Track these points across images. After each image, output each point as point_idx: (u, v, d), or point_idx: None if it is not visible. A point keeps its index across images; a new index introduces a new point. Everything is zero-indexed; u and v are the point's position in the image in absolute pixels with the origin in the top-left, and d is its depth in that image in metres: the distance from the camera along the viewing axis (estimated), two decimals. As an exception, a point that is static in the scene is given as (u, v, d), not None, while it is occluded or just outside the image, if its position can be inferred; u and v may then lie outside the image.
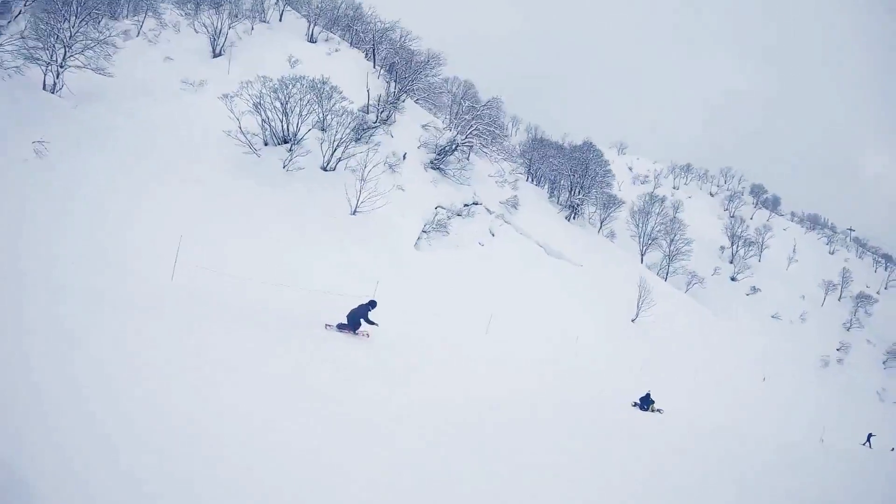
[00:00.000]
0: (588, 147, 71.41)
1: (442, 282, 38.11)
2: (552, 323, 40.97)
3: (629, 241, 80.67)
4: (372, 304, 16.43)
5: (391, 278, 30.94)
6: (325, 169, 41.37)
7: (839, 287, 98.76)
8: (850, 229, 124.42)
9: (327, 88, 39.93)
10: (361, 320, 15.89)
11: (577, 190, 69.35)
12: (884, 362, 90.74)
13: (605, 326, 48.81)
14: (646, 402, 23.10)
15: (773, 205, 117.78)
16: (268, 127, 39.70)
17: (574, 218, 69.09)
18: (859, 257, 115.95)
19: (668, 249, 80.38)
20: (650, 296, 55.46)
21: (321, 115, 40.45)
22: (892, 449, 44.27)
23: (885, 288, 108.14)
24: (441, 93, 60.45)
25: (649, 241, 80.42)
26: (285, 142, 40.24)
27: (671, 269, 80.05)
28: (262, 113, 38.63)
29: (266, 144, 40.12)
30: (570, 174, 69.56)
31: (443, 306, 30.62)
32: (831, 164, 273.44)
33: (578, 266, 56.59)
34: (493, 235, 52.53)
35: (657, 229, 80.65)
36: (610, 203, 74.59)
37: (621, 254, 71.13)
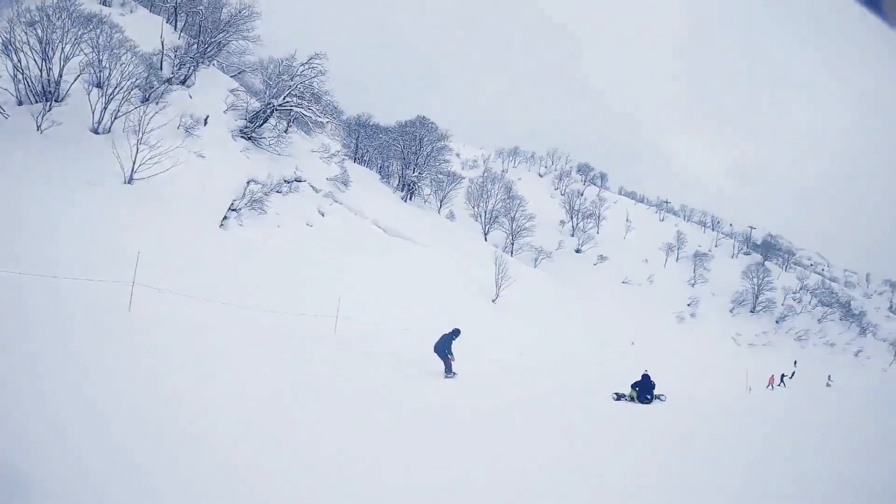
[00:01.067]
0: (421, 122, 69.01)
1: (265, 268, 30.57)
2: (412, 309, 34.87)
3: (469, 222, 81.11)
4: (455, 332, 16.59)
5: (189, 265, 24.13)
6: (96, 131, 33.69)
7: (676, 249, 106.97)
8: (666, 201, 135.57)
9: (106, 27, 33.04)
10: (447, 352, 16.14)
11: (412, 167, 68.06)
12: (731, 310, 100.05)
13: (471, 309, 46.11)
14: (647, 390, 17.53)
15: (601, 181, 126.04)
16: (21, 78, 31.88)
17: (411, 198, 67.52)
18: (687, 221, 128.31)
19: (510, 227, 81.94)
20: (507, 272, 54.85)
21: (96, 58, 33.14)
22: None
23: (716, 245, 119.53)
24: (253, 69, 53.60)
25: (491, 220, 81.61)
26: (47, 99, 32.54)
27: (516, 246, 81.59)
28: (13, 56, 30.81)
29: (21, 104, 32.27)
30: (403, 151, 67.83)
31: (269, 297, 24.07)
32: (637, 147, 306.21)
33: (425, 247, 54.86)
34: (322, 215, 48.76)
35: (498, 206, 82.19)
36: (448, 181, 74.36)
37: (465, 233, 70.98)
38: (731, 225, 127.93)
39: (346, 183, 53.45)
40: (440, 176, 72.49)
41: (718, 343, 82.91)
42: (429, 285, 44.32)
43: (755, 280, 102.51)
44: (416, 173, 67.36)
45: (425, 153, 67.91)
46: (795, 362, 73.86)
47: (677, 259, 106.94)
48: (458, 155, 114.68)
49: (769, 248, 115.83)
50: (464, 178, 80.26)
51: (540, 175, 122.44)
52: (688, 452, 9.25)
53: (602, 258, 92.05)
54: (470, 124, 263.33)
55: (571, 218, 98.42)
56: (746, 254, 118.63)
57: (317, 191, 50.27)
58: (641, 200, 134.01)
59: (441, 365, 16.20)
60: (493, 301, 53.86)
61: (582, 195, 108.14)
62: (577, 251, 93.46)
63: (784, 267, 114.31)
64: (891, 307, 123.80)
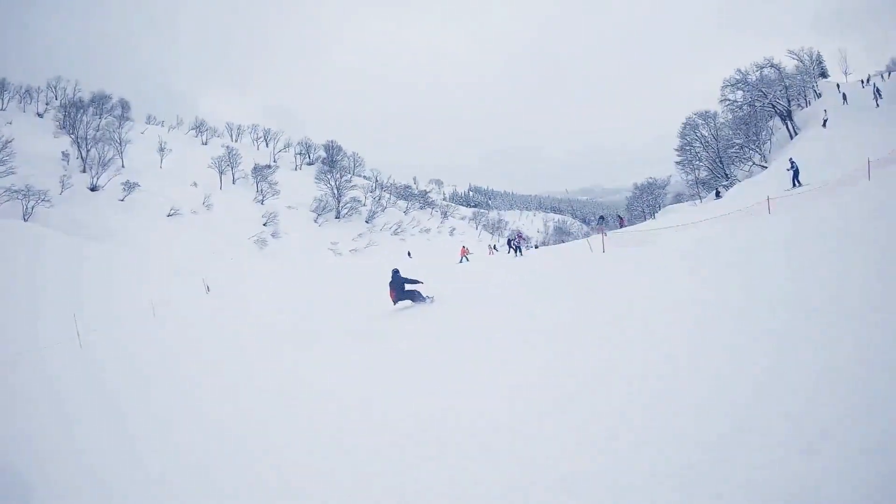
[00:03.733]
0: None
1: None
2: None
3: None
4: (396, 271, 15.75)
5: None
6: None
7: (231, 167, 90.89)
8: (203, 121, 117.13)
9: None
10: (406, 286, 15.33)
11: None
12: (315, 220, 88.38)
13: None
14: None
15: (122, 109, 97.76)
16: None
17: None
18: (237, 141, 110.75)
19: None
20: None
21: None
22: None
23: (276, 161, 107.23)
24: None
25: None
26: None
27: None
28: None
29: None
30: None
31: None
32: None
33: None
34: None
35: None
36: None
37: None
38: (288, 138, 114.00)
39: None
40: None
41: (316, 257, 68.55)
42: None
43: (332, 183, 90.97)
44: None
45: None
46: (409, 253, 65.87)
47: (234, 180, 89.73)
48: None
49: (334, 153, 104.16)
50: None
51: (39, 115, 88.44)
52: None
53: (130, 186, 68.87)
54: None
55: (79, 148, 70.80)
56: (311, 163, 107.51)
57: None
58: (177, 126, 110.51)
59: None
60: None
61: (98, 129, 78.88)
62: (94, 188, 67.94)
63: (352, 171, 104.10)
64: (444, 197, 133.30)
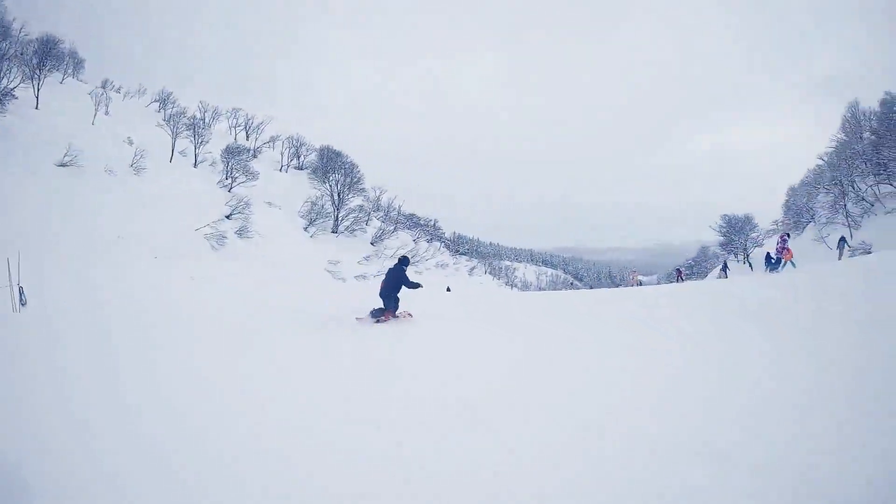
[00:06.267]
0: None
1: None
2: None
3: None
4: (404, 261, 11.92)
5: None
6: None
7: (196, 144, 64.90)
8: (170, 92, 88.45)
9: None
10: (403, 287, 11.48)
11: None
12: (305, 228, 62.44)
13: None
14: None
15: (73, 65, 71.42)
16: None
17: None
18: (207, 124, 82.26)
19: None
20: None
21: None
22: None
23: (255, 157, 79.46)
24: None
25: None
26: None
27: None
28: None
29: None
30: None
31: None
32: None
33: None
34: None
35: None
36: None
37: None
38: (275, 132, 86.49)
39: None
40: None
41: (307, 278, 40.98)
42: None
43: (332, 186, 63.91)
44: None
45: None
46: (448, 288, 42.31)
47: (197, 163, 62.78)
48: None
49: (333, 158, 75.80)
50: None
51: None
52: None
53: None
54: None
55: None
56: (300, 168, 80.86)
57: None
58: (138, 95, 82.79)
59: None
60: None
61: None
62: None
63: (350, 186, 74.52)
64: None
